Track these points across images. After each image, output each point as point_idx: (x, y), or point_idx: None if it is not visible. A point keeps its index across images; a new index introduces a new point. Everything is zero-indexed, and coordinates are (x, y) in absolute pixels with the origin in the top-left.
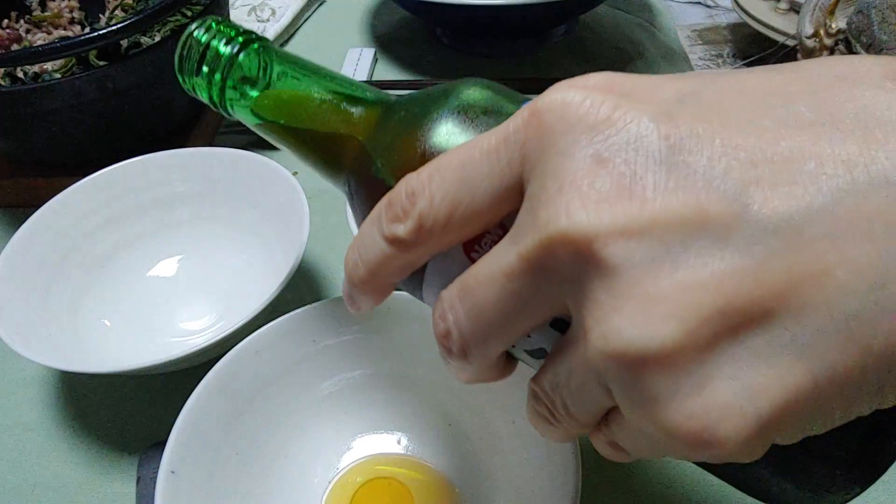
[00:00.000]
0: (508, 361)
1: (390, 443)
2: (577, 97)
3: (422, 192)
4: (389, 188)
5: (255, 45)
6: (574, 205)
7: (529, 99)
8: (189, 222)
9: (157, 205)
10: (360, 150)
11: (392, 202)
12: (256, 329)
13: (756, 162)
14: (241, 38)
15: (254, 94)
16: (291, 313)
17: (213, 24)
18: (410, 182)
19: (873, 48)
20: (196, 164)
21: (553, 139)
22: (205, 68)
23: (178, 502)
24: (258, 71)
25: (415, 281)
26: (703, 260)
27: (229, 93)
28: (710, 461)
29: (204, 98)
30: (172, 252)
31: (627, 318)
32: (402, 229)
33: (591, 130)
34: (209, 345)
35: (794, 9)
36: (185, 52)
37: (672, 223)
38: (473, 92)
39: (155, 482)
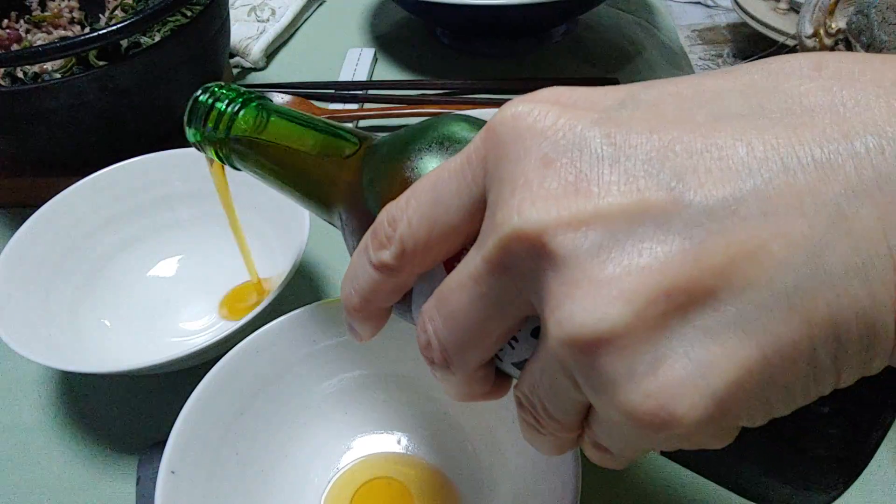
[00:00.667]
0: (501, 379)
1: (390, 443)
2: (526, 109)
3: (401, 218)
4: (375, 218)
5: (254, 104)
6: (525, 203)
7: None
8: (189, 222)
9: (157, 205)
10: (349, 187)
11: (376, 231)
12: (256, 329)
13: (691, 152)
14: (240, 99)
15: (255, 146)
16: (291, 313)
17: (216, 89)
18: (390, 210)
19: (873, 48)
20: (196, 164)
21: (506, 149)
22: (209, 125)
23: (178, 502)
24: (257, 125)
25: (405, 305)
26: (646, 245)
27: (233, 146)
28: (679, 446)
29: (211, 154)
30: (172, 252)
31: (578, 303)
32: (387, 255)
33: (538, 136)
34: (209, 345)
35: (794, 9)
36: (191, 115)
37: (616, 213)
38: (448, 125)
39: (155, 482)
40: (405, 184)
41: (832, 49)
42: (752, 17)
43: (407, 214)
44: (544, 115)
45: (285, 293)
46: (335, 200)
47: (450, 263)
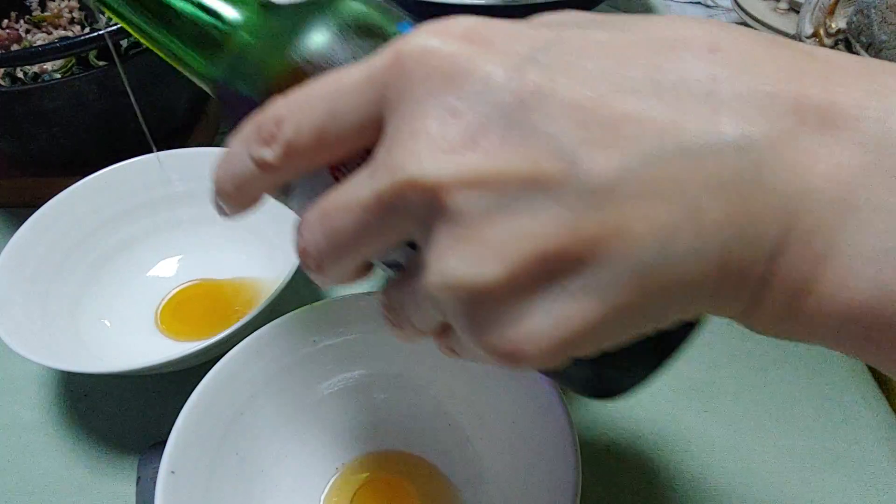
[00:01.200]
0: (367, 267)
1: (390, 442)
2: (437, 44)
3: (289, 120)
4: (257, 103)
5: None
6: (424, 153)
7: (406, 22)
8: (189, 222)
9: (157, 205)
10: (231, 59)
11: (260, 126)
12: (256, 329)
13: (588, 123)
14: None
15: None
16: (291, 313)
17: None
18: (279, 108)
19: (873, 48)
20: (196, 164)
21: (411, 85)
22: None
23: (178, 502)
24: None
25: (281, 190)
26: (533, 212)
27: None
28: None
29: None
30: (172, 252)
31: (462, 259)
32: (268, 154)
33: (446, 80)
34: (209, 345)
35: (794, 9)
36: None
37: (511, 177)
38: (349, 7)
39: (155, 482)
40: (297, 75)
41: (832, 49)
42: (752, 17)
43: (297, 119)
44: (455, 55)
45: (285, 293)
46: (212, 69)
47: (334, 166)
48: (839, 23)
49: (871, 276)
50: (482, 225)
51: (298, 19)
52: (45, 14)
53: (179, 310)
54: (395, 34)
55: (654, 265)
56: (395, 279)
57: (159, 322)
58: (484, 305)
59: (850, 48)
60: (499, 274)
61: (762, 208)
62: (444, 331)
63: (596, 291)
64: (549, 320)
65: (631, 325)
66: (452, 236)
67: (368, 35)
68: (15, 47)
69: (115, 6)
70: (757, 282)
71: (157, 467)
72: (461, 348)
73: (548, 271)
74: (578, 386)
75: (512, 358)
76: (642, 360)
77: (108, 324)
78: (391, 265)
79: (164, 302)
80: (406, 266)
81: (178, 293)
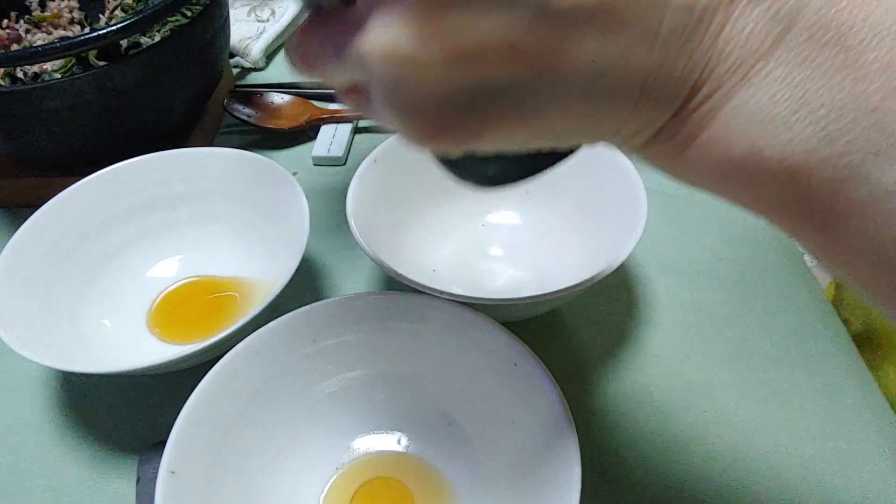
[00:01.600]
0: None
1: (390, 443)
2: None
3: None
4: None
5: None
6: None
7: None
8: (189, 222)
9: (157, 205)
10: None
11: None
12: (256, 329)
13: None
14: None
15: None
16: (291, 313)
17: None
18: None
19: None
20: (196, 164)
21: None
22: None
23: (178, 502)
24: None
25: None
26: (489, 12)
27: None
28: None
29: None
30: (172, 252)
31: (407, 34)
32: None
33: None
34: (209, 345)
35: None
36: None
37: None
38: None
39: (155, 482)
40: None
41: None
42: None
43: None
44: None
45: (285, 293)
46: None
47: None
48: None
49: (745, 136)
50: (434, 12)
51: None
52: (45, 14)
53: (178, 310)
54: None
55: (577, 93)
56: (320, 21)
57: (157, 322)
58: (414, 85)
59: None
60: (439, 57)
61: (683, 65)
62: (355, 89)
63: (519, 101)
64: (470, 116)
65: (536, 139)
66: (406, 16)
67: None
68: (15, 47)
69: None
70: (658, 126)
71: (157, 467)
72: (369, 110)
73: (483, 70)
74: (461, 174)
75: (423, 141)
76: (524, 167)
77: (108, 324)
78: (311, 4)
79: (160, 300)
80: (331, 12)
81: (175, 291)
